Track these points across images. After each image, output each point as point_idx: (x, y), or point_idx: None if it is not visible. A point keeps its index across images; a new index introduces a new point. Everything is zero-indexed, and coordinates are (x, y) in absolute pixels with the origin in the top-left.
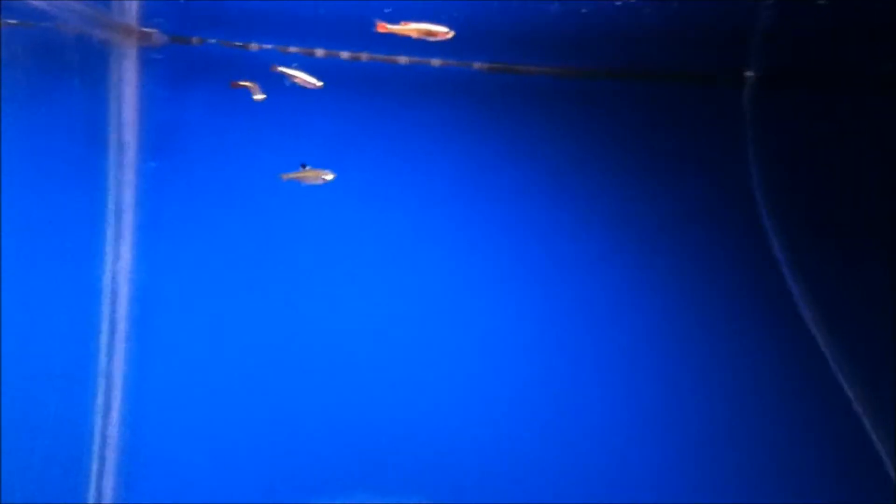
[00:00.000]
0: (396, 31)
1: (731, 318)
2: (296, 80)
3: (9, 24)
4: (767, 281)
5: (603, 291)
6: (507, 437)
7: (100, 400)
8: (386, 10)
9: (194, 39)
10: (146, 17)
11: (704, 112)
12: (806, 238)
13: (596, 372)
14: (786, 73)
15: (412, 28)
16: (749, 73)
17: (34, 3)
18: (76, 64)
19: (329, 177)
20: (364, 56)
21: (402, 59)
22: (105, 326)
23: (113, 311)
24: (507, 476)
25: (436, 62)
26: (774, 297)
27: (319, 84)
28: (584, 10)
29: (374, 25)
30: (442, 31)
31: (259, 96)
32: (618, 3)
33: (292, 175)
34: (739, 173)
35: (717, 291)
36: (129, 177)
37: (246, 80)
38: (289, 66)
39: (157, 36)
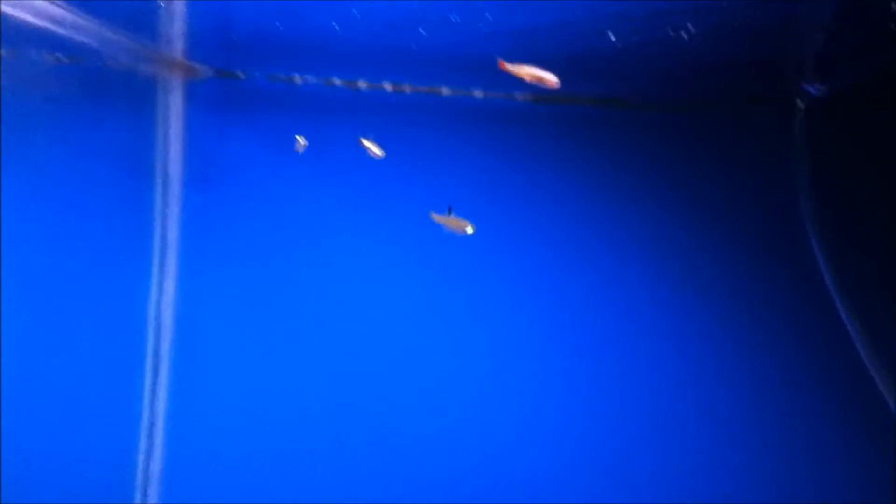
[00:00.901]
0: (512, 72)
1: (785, 354)
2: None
3: (61, 61)
4: (819, 312)
5: (649, 319)
6: (532, 442)
7: (143, 433)
8: (431, 41)
9: (239, 73)
10: (192, 52)
11: (754, 139)
12: (857, 265)
13: (629, 388)
14: (836, 97)
15: (525, 72)
16: (799, 100)
17: (83, 40)
18: (124, 98)
19: (469, 230)
20: (407, 88)
21: (445, 91)
22: (149, 360)
23: (157, 344)
24: (531, 481)
25: (478, 93)
26: (827, 333)
27: (381, 154)
28: (635, 40)
29: (495, 62)
30: (552, 81)
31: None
32: (671, 34)
33: (438, 217)
34: (789, 200)
35: (769, 323)
36: (174, 210)
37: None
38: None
39: (202, 70)
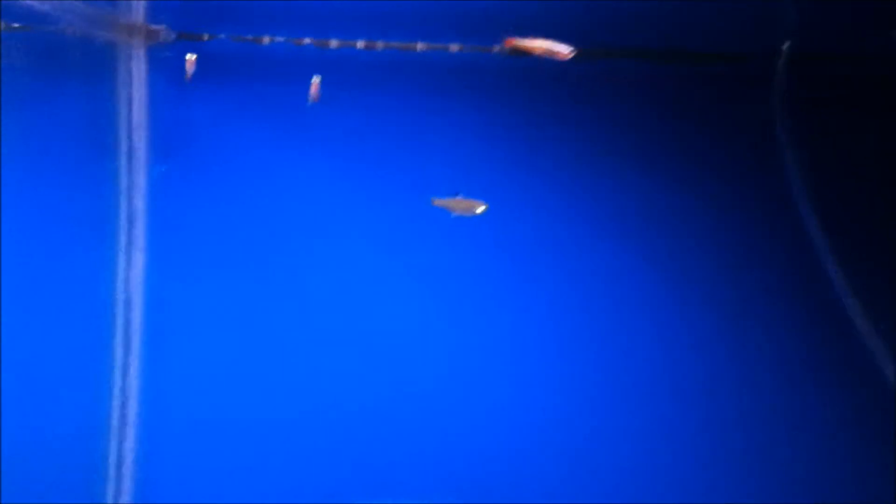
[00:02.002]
0: (523, 47)
1: (767, 307)
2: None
3: (11, 28)
4: (804, 267)
5: (631, 284)
6: (542, 441)
7: (116, 408)
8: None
9: (204, 35)
10: (153, 15)
11: (735, 94)
12: (844, 221)
13: (628, 373)
14: (820, 54)
15: (537, 45)
16: (782, 54)
17: (37, 5)
18: (82, 66)
19: (480, 209)
20: (380, 45)
21: (420, 46)
22: (120, 334)
23: (127, 319)
24: (544, 481)
25: (454, 47)
26: (812, 284)
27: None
28: None
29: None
30: (564, 52)
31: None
32: None
33: (443, 202)
34: (772, 155)
35: (752, 280)
36: (140, 181)
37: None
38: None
39: (164, 33)
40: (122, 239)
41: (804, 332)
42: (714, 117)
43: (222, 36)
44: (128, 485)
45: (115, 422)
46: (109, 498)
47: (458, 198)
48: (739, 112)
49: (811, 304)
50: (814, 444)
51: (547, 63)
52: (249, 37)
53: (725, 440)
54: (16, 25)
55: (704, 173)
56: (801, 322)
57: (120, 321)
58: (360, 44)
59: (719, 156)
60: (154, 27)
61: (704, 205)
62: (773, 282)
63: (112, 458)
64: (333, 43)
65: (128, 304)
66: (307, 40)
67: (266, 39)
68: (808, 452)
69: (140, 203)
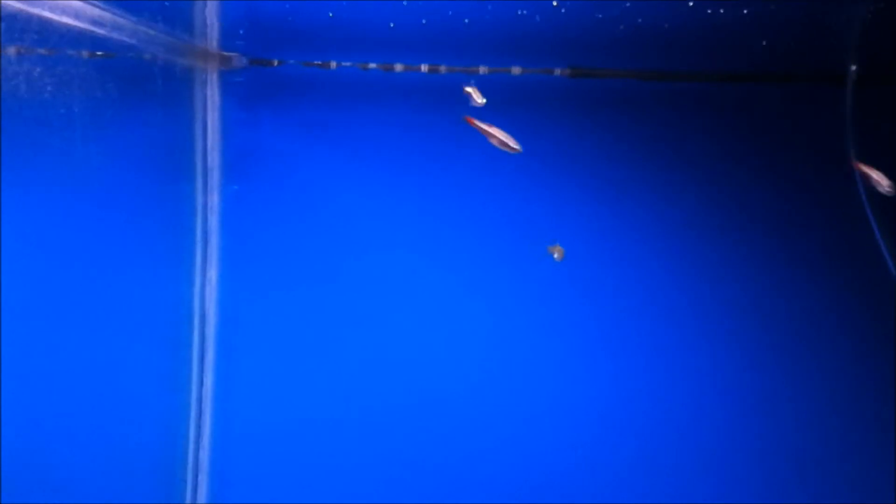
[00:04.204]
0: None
1: (839, 322)
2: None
3: (95, 55)
4: (878, 286)
5: (700, 301)
6: (601, 447)
7: (192, 423)
8: (465, 20)
9: (274, 61)
10: (225, 42)
11: (803, 113)
12: None
13: (690, 385)
14: (888, 69)
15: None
16: (851, 71)
17: (121, 38)
18: (160, 92)
19: (556, 255)
20: (443, 69)
21: (483, 70)
22: (196, 351)
23: (202, 336)
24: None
25: (516, 70)
26: (884, 302)
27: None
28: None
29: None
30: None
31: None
32: (691, 4)
33: (552, 248)
34: (842, 176)
35: (823, 297)
36: (214, 201)
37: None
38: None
39: (237, 59)
40: (198, 256)
41: (870, 345)
42: (786, 137)
43: (291, 61)
44: (203, 490)
45: (191, 431)
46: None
47: (557, 245)
48: (811, 131)
49: (880, 316)
50: (873, 457)
51: (614, 84)
52: (317, 62)
53: (782, 456)
54: (99, 53)
55: (775, 193)
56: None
57: (196, 335)
58: (424, 67)
59: (792, 175)
60: (227, 54)
61: (778, 224)
62: (845, 295)
63: (189, 465)
64: (398, 67)
65: (203, 318)
66: (373, 65)
67: (333, 64)
68: (854, 454)
69: (214, 222)
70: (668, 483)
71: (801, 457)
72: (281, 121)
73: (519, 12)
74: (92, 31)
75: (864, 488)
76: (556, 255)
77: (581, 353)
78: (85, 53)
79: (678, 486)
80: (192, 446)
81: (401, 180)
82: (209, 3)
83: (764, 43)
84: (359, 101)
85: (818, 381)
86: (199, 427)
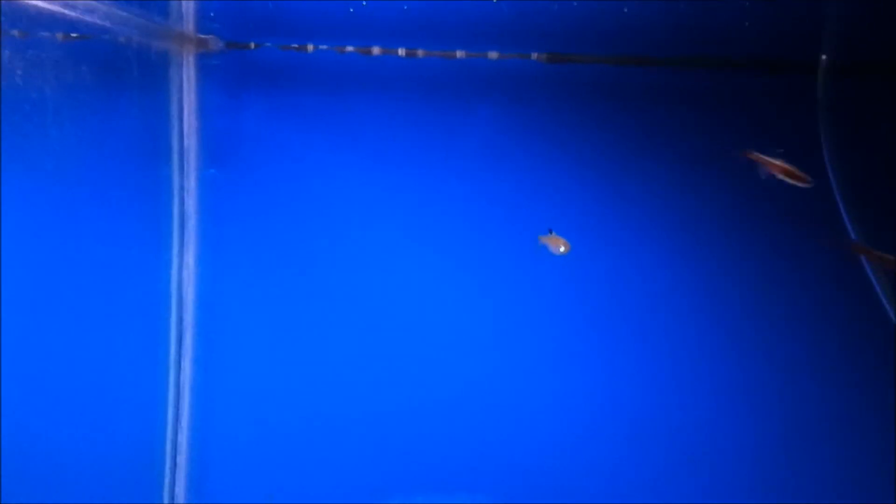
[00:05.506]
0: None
1: (810, 311)
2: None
3: (70, 37)
4: (845, 271)
5: (670, 290)
6: (590, 441)
7: (170, 406)
8: (443, 5)
9: (251, 44)
10: (203, 25)
11: (775, 101)
12: (882, 225)
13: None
14: (860, 60)
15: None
16: (822, 60)
17: (92, 19)
18: (136, 75)
19: (563, 249)
20: (420, 52)
21: (460, 54)
22: (173, 334)
23: (180, 319)
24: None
25: (493, 55)
26: (851, 287)
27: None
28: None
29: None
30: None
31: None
32: None
33: (544, 238)
34: (812, 164)
35: (793, 284)
36: (191, 184)
37: None
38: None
39: (213, 42)
40: (175, 240)
41: (846, 334)
42: (760, 124)
43: (268, 45)
44: (183, 472)
45: (170, 415)
46: (166, 485)
47: (553, 234)
48: (784, 120)
49: (853, 305)
50: (856, 445)
51: (585, 69)
52: (294, 45)
53: (767, 445)
54: (74, 35)
55: (747, 182)
56: (843, 324)
57: (174, 319)
58: (402, 51)
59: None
60: (204, 37)
61: (749, 213)
62: (817, 286)
63: (168, 449)
64: (376, 50)
65: (180, 301)
66: (350, 48)
67: (310, 48)
68: (849, 453)
69: (192, 205)
70: (669, 482)
71: (796, 454)
72: (259, 104)
73: None
74: (64, 14)
75: (861, 485)
76: (554, 247)
77: (566, 348)
78: (59, 36)
79: (678, 485)
80: (170, 429)
81: (381, 165)
82: None
83: (739, 30)
84: (337, 84)
85: (811, 377)
86: (177, 410)
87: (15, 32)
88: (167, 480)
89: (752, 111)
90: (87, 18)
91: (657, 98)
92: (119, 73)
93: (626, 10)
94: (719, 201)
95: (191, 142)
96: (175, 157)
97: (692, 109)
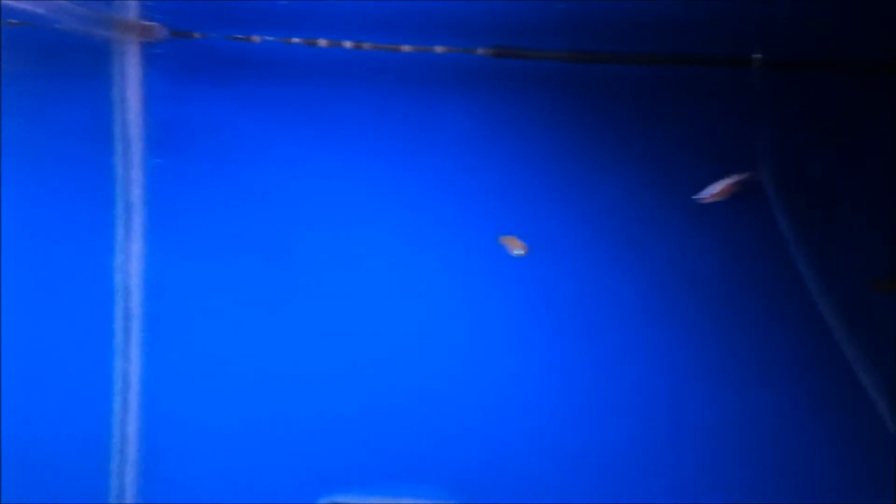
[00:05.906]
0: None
1: (742, 303)
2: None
3: (9, 24)
4: (776, 263)
5: (611, 285)
6: (545, 441)
7: (117, 397)
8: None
9: (196, 33)
10: (147, 12)
11: (711, 95)
12: (814, 219)
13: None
14: (796, 57)
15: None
16: (757, 57)
17: (32, 7)
18: (79, 63)
19: (519, 251)
20: (367, 45)
21: (406, 48)
22: (119, 324)
23: (126, 309)
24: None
25: (439, 49)
26: (784, 279)
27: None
28: None
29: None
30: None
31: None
32: None
33: (503, 238)
34: (746, 156)
35: (725, 277)
36: (137, 174)
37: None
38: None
39: (158, 30)
40: (120, 230)
41: (787, 332)
42: (704, 120)
43: (214, 34)
44: (131, 463)
45: (117, 406)
46: (113, 479)
47: (513, 237)
48: (719, 117)
49: (790, 305)
50: (801, 444)
51: (536, 65)
52: (240, 36)
53: (719, 440)
54: (13, 21)
55: (688, 179)
56: (784, 323)
57: (120, 309)
58: (349, 44)
59: (703, 162)
60: (148, 24)
61: (689, 208)
62: (758, 284)
63: (115, 442)
64: (322, 42)
65: (126, 292)
66: (296, 40)
67: (256, 38)
68: (797, 452)
69: (137, 195)
70: (668, 482)
71: (750, 454)
72: (206, 94)
73: None
74: (5, 0)
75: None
76: (510, 248)
77: (533, 346)
78: None
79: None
80: (117, 420)
81: (328, 153)
82: None
83: (686, 26)
84: (284, 75)
85: (784, 366)
86: (125, 401)
87: None
88: (115, 471)
89: (697, 108)
90: (27, 6)
91: (617, 94)
92: (60, 61)
93: (569, 3)
94: (682, 198)
95: (135, 131)
96: (119, 145)
97: (642, 106)
